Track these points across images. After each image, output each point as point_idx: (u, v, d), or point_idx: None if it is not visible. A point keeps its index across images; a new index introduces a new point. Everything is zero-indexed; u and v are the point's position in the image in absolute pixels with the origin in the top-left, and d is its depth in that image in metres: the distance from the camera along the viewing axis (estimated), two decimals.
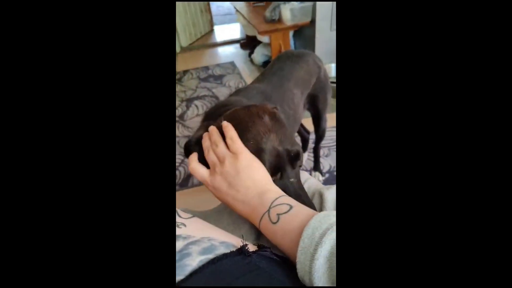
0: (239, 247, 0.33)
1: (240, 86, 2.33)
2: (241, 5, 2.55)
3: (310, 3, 1.85)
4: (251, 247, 0.35)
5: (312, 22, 1.91)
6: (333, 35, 1.94)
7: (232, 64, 2.73)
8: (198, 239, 0.33)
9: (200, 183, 1.46)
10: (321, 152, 1.51)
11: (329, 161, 1.47)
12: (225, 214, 0.52)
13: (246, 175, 0.40)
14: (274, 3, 2.01)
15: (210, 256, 0.31)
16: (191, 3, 3.09)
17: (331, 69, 2.03)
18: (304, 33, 2.09)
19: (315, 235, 0.30)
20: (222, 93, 2.25)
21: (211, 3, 3.48)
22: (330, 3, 1.81)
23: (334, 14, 1.85)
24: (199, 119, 1.95)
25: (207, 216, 0.52)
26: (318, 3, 1.81)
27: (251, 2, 2.47)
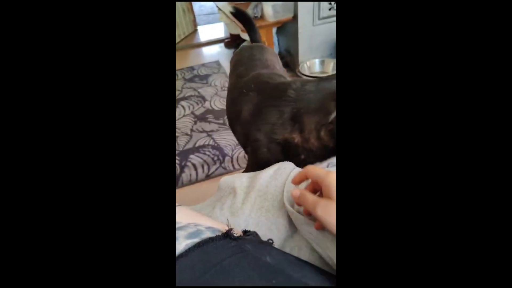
0: (225, 231, 0.34)
1: (227, 85, 2.32)
2: (223, 4, 2.55)
3: None
4: (237, 233, 0.35)
5: (295, 18, 1.92)
6: (315, 30, 1.96)
7: (217, 63, 2.72)
8: (184, 225, 0.34)
9: (189, 182, 1.45)
10: None
11: None
12: (217, 208, 0.52)
13: None
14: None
15: (196, 240, 0.32)
16: None
17: (315, 65, 2.05)
18: (287, 29, 2.11)
19: None
20: (208, 92, 2.24)
21: (194, 2, 3.46)
22: None
23: (316, 10, 1.87)
24: (186, 120, 1.94)
25: (196, 210, 0.52)
26: None
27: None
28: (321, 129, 0.60)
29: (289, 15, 1.93)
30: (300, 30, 1.94)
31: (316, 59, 2.05)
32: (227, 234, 0.33)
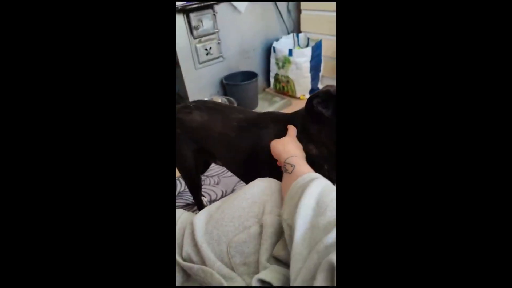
0: None
1: None
2: None
3: None
4: None
5: (177, 64, 2.04)
6: (198, 73, 2.12)
7: None
8: None
9: None
10: (211, 181, 1.60)
11: (220, 188, 1.57)
12: None
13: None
14: None
15: None
16: None
17: None
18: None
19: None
20: None
21: None
22: (188, 46, 1.99)
23: (194, 56, 2.03)
24: None
25: None
26: (177, 47, 1.95)
27: None
28: (323, 137, 0.72)
29: None
30: (184, 75, 2.06)
31: (206, 98, 2.19)
32: None
